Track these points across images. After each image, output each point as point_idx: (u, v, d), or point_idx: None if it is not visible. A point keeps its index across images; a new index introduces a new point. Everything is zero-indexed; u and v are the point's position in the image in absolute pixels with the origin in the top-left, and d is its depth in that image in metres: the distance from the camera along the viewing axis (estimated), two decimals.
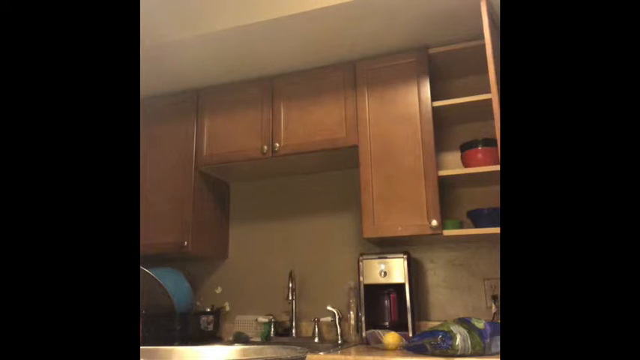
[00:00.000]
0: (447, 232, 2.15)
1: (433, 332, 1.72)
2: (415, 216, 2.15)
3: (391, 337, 1.91)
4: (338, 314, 2.38)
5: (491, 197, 2.31)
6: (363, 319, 2.20)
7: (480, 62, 2.18)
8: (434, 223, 2.12)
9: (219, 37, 2.30)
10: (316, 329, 2.44)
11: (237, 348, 2.18)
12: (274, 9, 2.17)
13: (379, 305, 2.22)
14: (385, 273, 2.21)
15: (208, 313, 2.62)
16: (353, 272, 2.49)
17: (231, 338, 2.58)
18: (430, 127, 2.23)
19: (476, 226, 2.20)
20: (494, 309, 2.25)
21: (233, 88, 2.63)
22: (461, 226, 2.28)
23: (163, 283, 2.43)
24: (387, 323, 2.18)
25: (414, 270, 2.33)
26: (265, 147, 2.48)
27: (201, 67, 2.55)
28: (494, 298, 2.27)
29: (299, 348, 1.93)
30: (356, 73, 2.41)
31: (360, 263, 2.24)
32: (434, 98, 2.28)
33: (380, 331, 1.99)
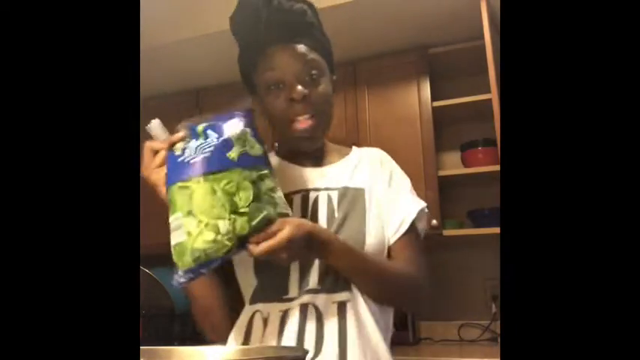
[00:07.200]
0: (446, 232, 2.15)
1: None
2: None
3: None
4: None
5: (491, 197, 2.31)
6: None
7: (480, 62, 2.18)
8: (434, 223, 2.12)
9: (219, 37, 2.29)
10: None
11: (237, 348, 2.17)
12: None
13: None
14: None
15: None
16: None
17: None
18: (430, 127, 2.23)
19: (476, 226, 2.20)
20: (494, 309, 2.25)
21: (233, 88, 2.62)
22: (461, 226, 2.27)
23: (163, 283, 2.43)
24: None
25: None
26: (265, 146, 2.47)
27: (201, 67, 2.55)
28: (494, 298, 2.27)
29: (299, 348, 1.93)
30: (356, 73, 2.41)
31: None
32: (434, 98, 2.27)
33: None
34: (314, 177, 0.96)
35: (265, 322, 0.86)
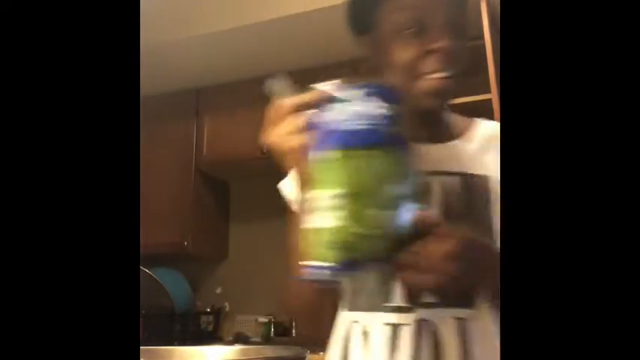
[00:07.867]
0: None
1: None
2: None
3: None
4: None
5: None
6: None
7: (480, 62, 2.17)
8: None
9: (219, 37, 2.29)
10: None
11: (237, 348, 2.18)
12: (274, 9, 2.17)
13: None
14: None
15: (208, 313, 2.62)
16: None
17: (231, 338, 2.58)
18: None
19: None
20: None
21: (233, 88, 2.62)
22: None
23: (163, 283, 2.43)
24: None
25: None
26: (265, 147, 2.47)
27: (201, 67, 2.55)
28: None
29: (299, 348, 1.93)
30: (356, 72, 2.41)
31: None
32: None
33: None
34: (430, 155, 0.75)
35: (366, 336, 0.70)
